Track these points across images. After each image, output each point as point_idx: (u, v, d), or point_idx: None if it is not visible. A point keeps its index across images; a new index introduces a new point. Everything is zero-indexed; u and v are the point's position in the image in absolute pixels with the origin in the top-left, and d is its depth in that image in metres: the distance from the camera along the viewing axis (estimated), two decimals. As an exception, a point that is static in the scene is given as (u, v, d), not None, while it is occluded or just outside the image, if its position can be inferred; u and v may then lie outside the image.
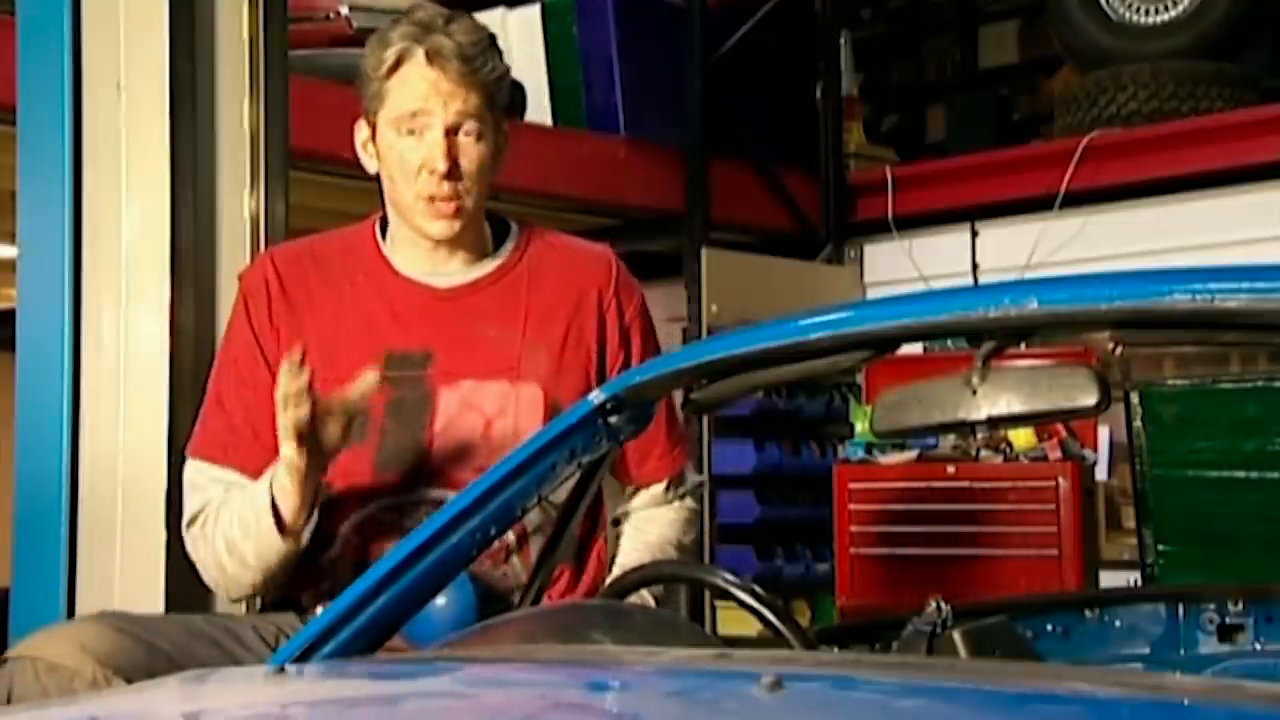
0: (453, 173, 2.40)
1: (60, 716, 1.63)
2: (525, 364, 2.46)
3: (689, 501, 2.64)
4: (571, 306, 2.51)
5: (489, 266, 2.53)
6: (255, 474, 2.40)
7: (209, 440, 2.49)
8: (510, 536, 2.40)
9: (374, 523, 2.42)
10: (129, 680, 2.07)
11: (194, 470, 2.48)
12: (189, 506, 2.47)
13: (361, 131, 2.50)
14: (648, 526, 2.60)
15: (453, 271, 2.51)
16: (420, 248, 2.50)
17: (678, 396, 2.35)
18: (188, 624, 2.33)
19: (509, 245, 2.56)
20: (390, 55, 2.40)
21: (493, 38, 2.48)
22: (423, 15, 2.43)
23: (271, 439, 2.36)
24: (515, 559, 2.42)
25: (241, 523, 2.37)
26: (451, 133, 2.41)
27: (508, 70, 2.48)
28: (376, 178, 2.53)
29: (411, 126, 2.41)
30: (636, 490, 2.62)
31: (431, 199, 2.41)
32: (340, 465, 2.39)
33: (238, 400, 2.47)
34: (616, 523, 2.64)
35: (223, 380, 2.52)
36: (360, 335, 2.46)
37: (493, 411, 2.43)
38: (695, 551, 2.73)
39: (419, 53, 2.39)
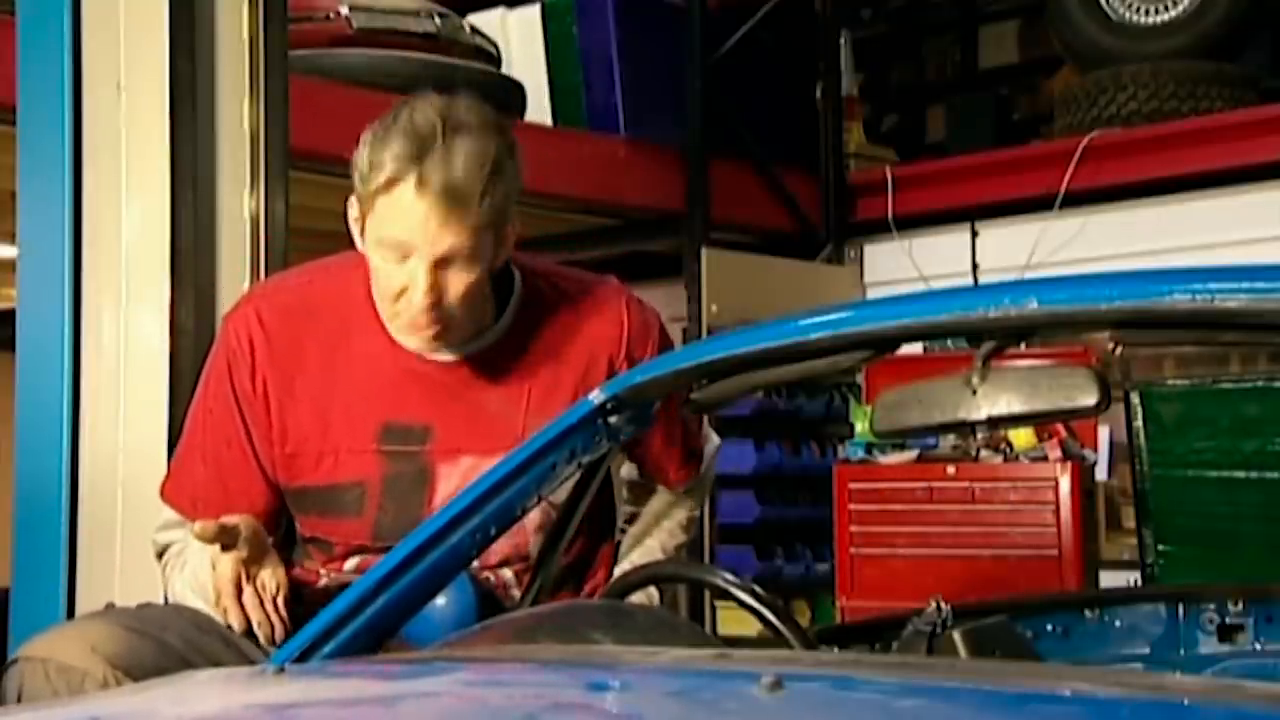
0: (438, 304, 2.21)
1: (61, 716, 1.63)
2: (529, 438, 2.32)
3: (702, 484, 2.62)
4: (579, 373, 2.37)
5: (491, 338, 2.36)
6: None
7: (180, 489, 2.43)
8: (508, 573, 2.38)
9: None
10: (139, 681, 2.06)
11: (167, 512, 2.44)
12: (158, 541, 2.45)
13: (353, 208, 2.27)
14: (658, 520, 2.59)
15: (452, 350, 2.35)
16: None
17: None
18: (197, 618, 2.30)
19: (511, 307, 2.37)
20: (381, 178, 2.16)
21: (499, 159, 2.19)
22: (423, 124, 2.16)
23: (240, 496, 2.35)
24: (515, 592, 2.38)
25: (197, 591, 2.34)
26: (439, 265, 2.19)
27: (511, 193, 2.22)
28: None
29: (398, 252, 2.19)
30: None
31: (412, 323, 2.24)
32: (337, 537, 2.37)
33: (210, 454, 2.40)
34: (630, 520, 2.61)
35: (198, 426, 2.43)
36: (356, 404, 2.34)
37: None
38: (697, 524, 2.68)
39: (411, 178, 2.14)
